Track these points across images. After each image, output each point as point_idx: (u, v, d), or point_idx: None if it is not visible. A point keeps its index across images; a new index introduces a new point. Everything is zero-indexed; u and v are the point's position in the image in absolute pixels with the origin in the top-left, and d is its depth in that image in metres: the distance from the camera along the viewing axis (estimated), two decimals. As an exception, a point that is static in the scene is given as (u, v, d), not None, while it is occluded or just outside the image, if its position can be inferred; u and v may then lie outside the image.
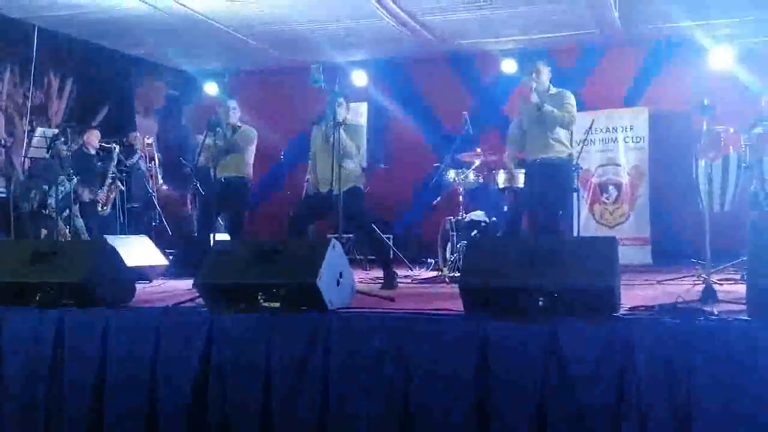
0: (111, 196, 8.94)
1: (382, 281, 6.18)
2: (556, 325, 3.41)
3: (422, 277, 7.37)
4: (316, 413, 3.70)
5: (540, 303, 3.57)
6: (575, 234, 7.59)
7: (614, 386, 3.28)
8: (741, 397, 3.12)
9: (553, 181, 6.35)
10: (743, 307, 3.58)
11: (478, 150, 7.64)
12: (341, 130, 5.88)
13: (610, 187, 9.45)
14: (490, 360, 3.47)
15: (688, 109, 5.68)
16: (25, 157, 8.54)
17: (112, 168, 8.93)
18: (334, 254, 4.16)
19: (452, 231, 7.17)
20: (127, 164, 9.37)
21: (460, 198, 7.48)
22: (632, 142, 9.39)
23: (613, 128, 9.43)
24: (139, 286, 5.27)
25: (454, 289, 4.04)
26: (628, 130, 9.40)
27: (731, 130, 6.14)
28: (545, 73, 6.47)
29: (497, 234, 7.28)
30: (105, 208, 8.85)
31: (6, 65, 8.74)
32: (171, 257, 7.56)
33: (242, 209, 7.40)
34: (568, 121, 6.35)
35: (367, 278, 6.95)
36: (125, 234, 8.76)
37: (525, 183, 6.78)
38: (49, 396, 4.13)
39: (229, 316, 3.96)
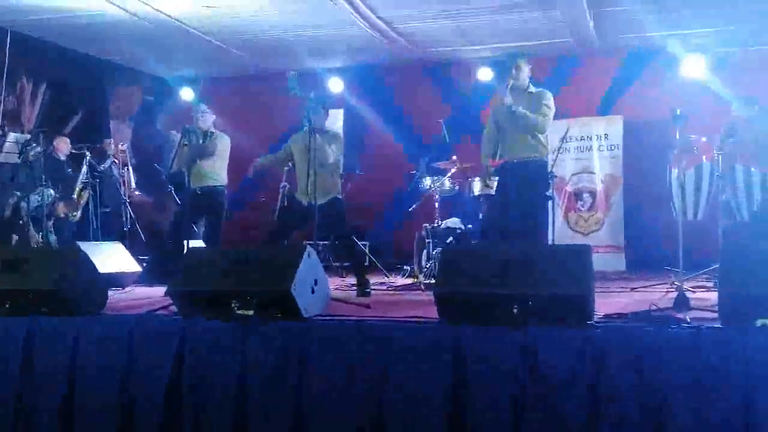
0: (81, 201, 8.87)
1: (356, 288, 6.16)
2: (530, 333, 3.42)
3: (398, 284, 7.35)
4: (290, 421, 3.68)
5: (514, 310, 3.58)
6: (550, 241, 7.61)
7: (588, 393, 3.29)
8: (713, 404, 3.15)
9: (529, 181, 6.17)
10: (716, 314, 3.61)
11: (454, 158, 7.67)
12: (318, 137, 5.87)
13: (585, 195, 9.51)
14: (466, 367, 3.47)
15: (662, 117, 5.72)
16: (-4, 162, 8.44)
17: (83, 174, 8.85)
18: (309, 262, 4.14)
19: (428, 238, 7.16)
20: (99, 170, 9.30)
21: (436, 205, 7.49)
22: (607, 150, 9.46)
23: (587, 136, 9.50)
24: (112, 293, 5.22)
25: (430, 296, 4.04)
26: (603, 138, 9.48)
27: (703, 139, 6.21)
28: (525, 71, 6.30)
29: (472, 241, 7.26)
30: (75, 213, 8.77)
31: (-22, 70, 8.64)
32: (144, 264, 7.49)
33: (219, 218, 7.35)
34: (541, 125, 6.15)
35: (343, 285, 6.92)
36: (98, 240, 8.68)
37: (498, 184, 6.60)
38: (18, 405, 4.07)
39: (202, 324, 3.93)
